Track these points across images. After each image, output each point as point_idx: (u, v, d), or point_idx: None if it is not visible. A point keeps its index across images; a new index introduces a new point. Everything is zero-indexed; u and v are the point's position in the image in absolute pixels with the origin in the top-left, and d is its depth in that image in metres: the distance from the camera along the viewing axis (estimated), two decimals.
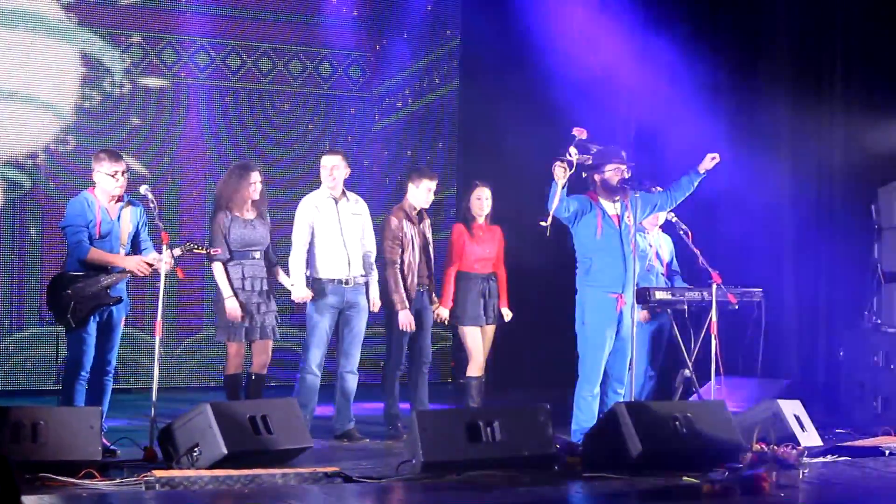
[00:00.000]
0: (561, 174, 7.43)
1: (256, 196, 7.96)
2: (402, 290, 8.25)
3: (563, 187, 7.48)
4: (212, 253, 7.78)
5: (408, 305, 8.25)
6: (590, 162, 7.78)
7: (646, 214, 8.07)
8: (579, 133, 7.38)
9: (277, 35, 11.15)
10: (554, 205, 7.51)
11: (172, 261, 7.27)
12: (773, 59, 11.07)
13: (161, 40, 10.71)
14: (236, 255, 7.89)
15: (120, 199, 7.40)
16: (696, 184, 7.91)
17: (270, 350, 8.04)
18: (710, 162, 7.85)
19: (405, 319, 8.23)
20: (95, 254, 7.26)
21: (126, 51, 10.56)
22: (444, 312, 8.49)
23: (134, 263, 7.28)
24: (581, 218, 7.71)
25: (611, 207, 7.79)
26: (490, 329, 8.59)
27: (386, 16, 11.59)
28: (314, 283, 8.05)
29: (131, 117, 10.60)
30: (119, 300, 7.35)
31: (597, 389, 7.74)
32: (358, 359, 8.19)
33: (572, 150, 7.39)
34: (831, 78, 10.95)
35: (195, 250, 7.58)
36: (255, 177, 7.95)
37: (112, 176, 7.30)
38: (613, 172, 7.78)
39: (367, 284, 8.19)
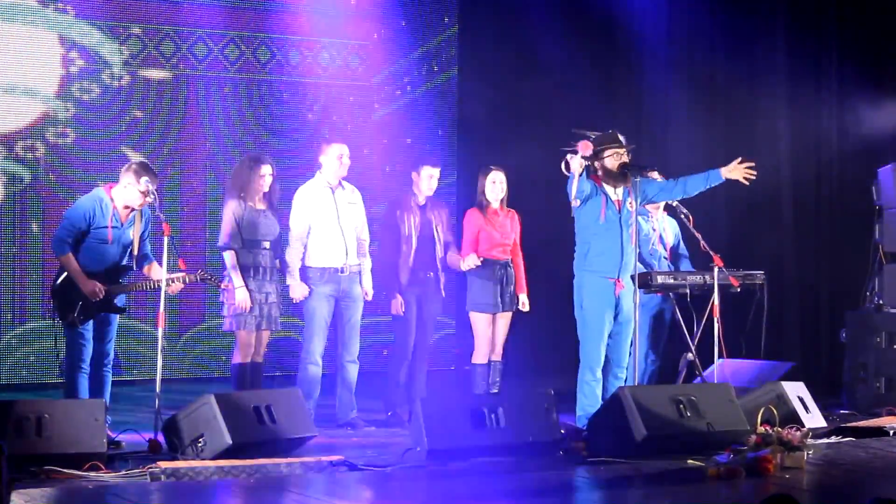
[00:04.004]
0: (576, 166, 7.46)
1: (266, 188, 7.97)
2: (388, 278, 8.33)
3: (580, 175, 7.50)
4: (222, 287, 7.77)
5: (395, 294, 8.33)
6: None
7: (640, 203, 7.99)
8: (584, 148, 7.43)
9: (275, 25, 11.12)
10: (574, 192, 7.55)
11: (176, 279, 7.31)
12: (769, 40, 11.05)
13: (159, 31, 10.68)
14: (248, 243, 7.88)
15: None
16: (711, 186, 7.84)
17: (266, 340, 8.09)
18: (738, 172, 7.71)
19: (394, 303, 8.32)
20: (68, 262, 7.28)
21: (124, 42, 10.53)
22: (471, 259, 8.21)
23: (90, 289, 7.26)
24: (587, 201, 7.69)
25: (613, 193, 7.77)
26: (505, 316, 8.44)
27: (384, 4, 11.55)
28: (310, 271, 8.06)
29: (131, 109, 10.57)
30: (123, 311, 7.48)
31: (599, 373, 7.73)
32: (357, 347, 8.19)
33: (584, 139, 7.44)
34: (828, 58, 10.93)
35: (208, 282, 7.59)
36: (266, 169, 7.95)
37: (144, 193, 7.31)
38: (613, 157, 7.76)
39: (360, 273, 8.21)
